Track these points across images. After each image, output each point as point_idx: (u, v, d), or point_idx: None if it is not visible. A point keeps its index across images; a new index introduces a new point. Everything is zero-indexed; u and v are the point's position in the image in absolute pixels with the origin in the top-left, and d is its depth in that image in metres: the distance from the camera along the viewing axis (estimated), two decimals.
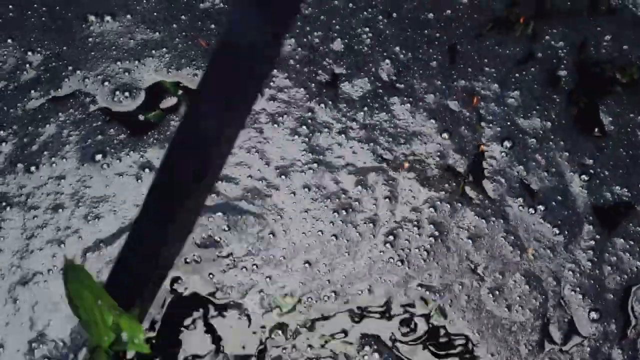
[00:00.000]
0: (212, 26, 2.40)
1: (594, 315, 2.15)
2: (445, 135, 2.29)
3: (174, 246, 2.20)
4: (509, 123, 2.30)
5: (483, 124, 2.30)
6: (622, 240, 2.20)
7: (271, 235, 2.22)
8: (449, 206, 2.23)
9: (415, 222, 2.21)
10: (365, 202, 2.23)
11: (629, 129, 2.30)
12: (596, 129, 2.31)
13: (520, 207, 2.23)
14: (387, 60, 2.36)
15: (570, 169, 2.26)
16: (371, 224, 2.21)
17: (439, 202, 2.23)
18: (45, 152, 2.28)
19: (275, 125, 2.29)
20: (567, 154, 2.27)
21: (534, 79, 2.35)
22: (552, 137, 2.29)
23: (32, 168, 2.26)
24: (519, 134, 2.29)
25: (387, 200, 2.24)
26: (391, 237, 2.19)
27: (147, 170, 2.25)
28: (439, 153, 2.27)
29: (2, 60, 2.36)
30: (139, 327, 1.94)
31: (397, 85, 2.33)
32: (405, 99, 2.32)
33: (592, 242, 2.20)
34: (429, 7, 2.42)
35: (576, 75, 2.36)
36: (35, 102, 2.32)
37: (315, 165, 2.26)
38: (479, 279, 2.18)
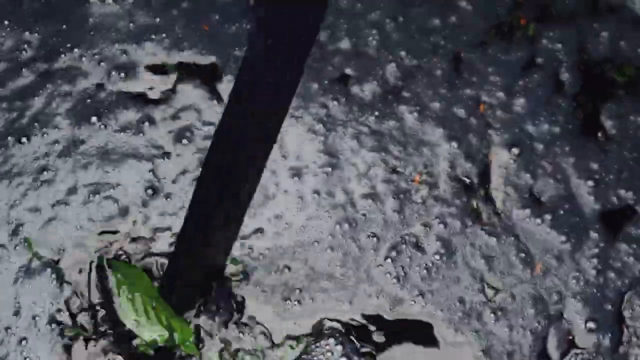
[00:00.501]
0: (216, 17, 2.40)
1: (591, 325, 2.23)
2: (454, 143, 2.33)
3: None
4: (517, 130, 2.34)
5: (491, 131, 2.34)
6: (625, 245, 2.26)
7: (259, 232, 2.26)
8: (459, 223, 2.27)
9: (423, 238, 2.25)
10: (373, 215, 2.27)
11: (630, 132, 2.35)
12: (599, 133, 2.35)
13: (528, 219, 2.28)
14: (394, 64, 2.37)
15: (576, 175, 2.31)
16: (375, 238, 2.25)
17: (449, 218, 2.28)
18: (36, 124, 2.29)
19: (293, 120, 2.32)
20: (572, 159, 2.31)
21: (539, 85, 2.38)
22: (559, 142, 2.33)
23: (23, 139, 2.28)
24: (526, 140, 2.33)
25: (395, 213, 2.28)
26: (394, 253, 2.24)
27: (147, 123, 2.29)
28: (449, 164, 2.31)
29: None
30: (189, 330, 2.11)
31: (405, 93, 2.36)
32: (412, 107, 2.35)
33: (597, 250, 2.26)
34: (434, 13, 2.43)
35: (578, 77, 2.39)
36: (26, 80, 2.33)
37: (329, 169, 2.30)
38: (481, 291, 2.24)
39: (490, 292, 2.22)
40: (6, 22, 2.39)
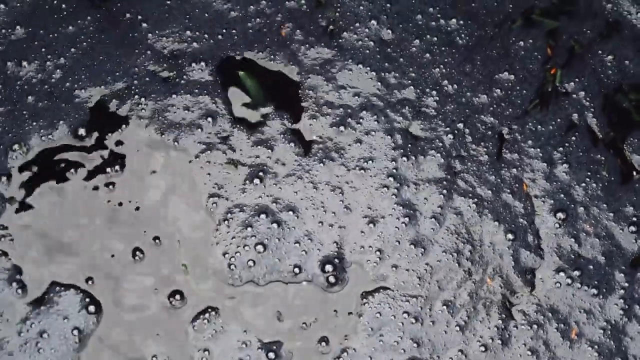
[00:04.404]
0: (291, 25, 2.44)
1: None
2: (510, 236, 2.36)
3: None
4: (562, 196, 2.37)
5: (535, 201, 2.38)
6: None
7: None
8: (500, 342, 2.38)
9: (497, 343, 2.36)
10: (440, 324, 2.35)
11: None
12: (634, 172, 2.41)
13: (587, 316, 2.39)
14: (451, 136, 2.39)
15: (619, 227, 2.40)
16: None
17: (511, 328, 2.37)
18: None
19: (362, 171, 2.38)
20: (612, 214, 2.39)
21: (577, 146, 2.38)
22: (606, 198, 2.38)
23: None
24: (571, 204, 2.38)
25: (461, 325, 2.36)
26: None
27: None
28: (512, 259, 2.35)
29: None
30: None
31: (459, 180, 2.37)
32: (470, 200, 2.36)
33: None
34: (481, 89, 2.42)
35: (605, 120, 2.40)
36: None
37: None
38: None
39: None
40: None
